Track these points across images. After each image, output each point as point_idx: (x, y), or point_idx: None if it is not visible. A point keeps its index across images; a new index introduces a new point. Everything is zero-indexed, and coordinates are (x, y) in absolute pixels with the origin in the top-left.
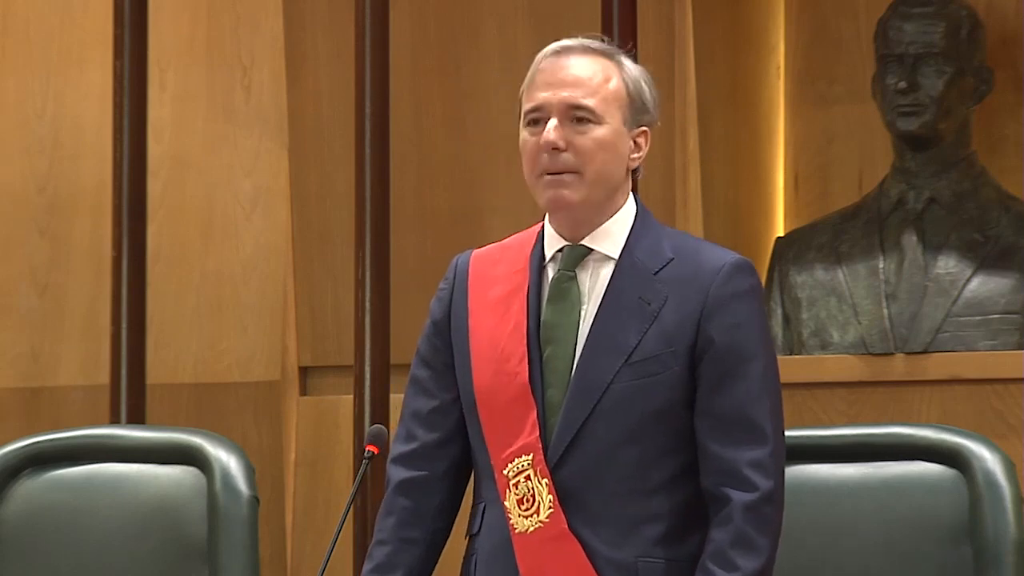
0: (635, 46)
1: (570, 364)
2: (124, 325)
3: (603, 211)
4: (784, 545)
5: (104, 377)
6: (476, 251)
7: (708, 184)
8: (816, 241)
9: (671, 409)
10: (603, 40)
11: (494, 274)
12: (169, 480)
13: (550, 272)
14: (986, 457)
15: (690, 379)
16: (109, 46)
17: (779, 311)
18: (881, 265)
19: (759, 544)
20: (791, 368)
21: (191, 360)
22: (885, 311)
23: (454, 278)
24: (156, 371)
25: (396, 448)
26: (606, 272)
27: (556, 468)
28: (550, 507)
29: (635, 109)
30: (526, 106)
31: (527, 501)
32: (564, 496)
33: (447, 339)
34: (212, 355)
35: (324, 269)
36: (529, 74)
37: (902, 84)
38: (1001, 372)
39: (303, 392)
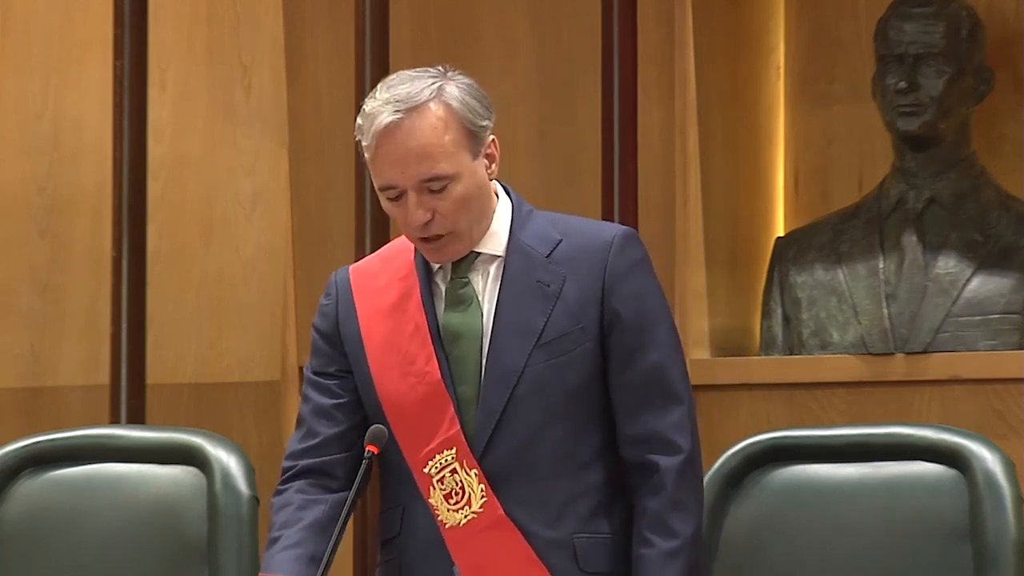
0: (635, 46)
1: (478, 360)
2: (124, 325)
3: (483, 225)
4: (784, 545)
5: (104, 377)
6: (352, 266)
7: (708, 184)
8: (816, 241)
9: (588, 385)
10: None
11: (377, 285)
12: (169, 480)
13: (439, 278)
14: (986, 457)
15: (601, 353)
16: (109, 46)
17: (779, 311)
18: (881, 265)
19: (691, 507)
20: (791, 368)
21: (191, 360)
22: (885, 311)
23: (336, 293)
24: (156, 371)
25: (292, 445)
26: (497, 268)
27: (483, 457)
28: (483, 496)
29: (475, 137)
30: (376, 180)
31: (456, 495)
32: (495, 483)
33: (340, 349)
34: (212, 355)
35: (324, 269)
36: (367, 137)
37: (902, 84)
38: (1001, 372)
39: None
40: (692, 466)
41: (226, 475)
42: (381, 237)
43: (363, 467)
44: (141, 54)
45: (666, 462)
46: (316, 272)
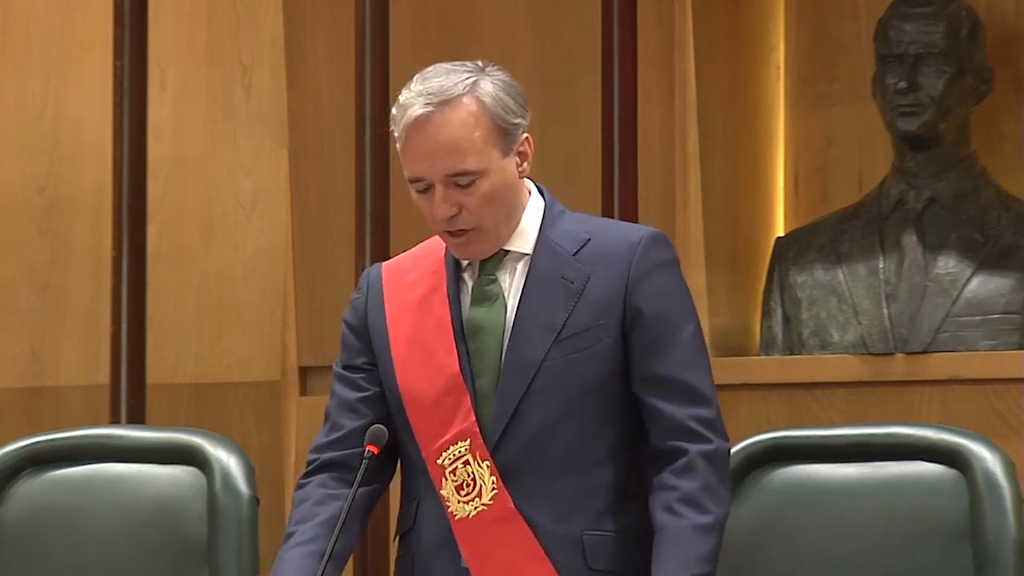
0: (635, 46)
1: (499, 354)
2: (124, 325)
3: (511, 223)
4: (784, 545)
5: (104, 377)
6: (385, 262)
7: (708, 184)
8: (816, 241)
9: (606, 382)
10: (451, 65)
11: (407, 280)
12: (169, 480)
13: (467, 275)
14: (986, 457)
15: (622, 351)
16: (109, 46)
17: (779, 311)
18: (881, 265)
19: (722, 494)
20: (791, 368)
21: (191, 360)
22: (885, 311)
23: (367, 288)
24: (156, 371)
25: (317, 439)
26: (524, 265)
27: (496, 449)
28: (494, 488)
29: (507, 134)
30: (405, 171)
31: (467, 486)
32: (507, 476)
33: (368, 344)
34: (212, 355)
35: (324, 269)
36: (398, 128)
37: (902, 84)
38: (1001, 372)
39: (303, 392)
40: (723, 459)
41: (226, 475)
42: (381, 237)
43: (362, 467)
44: (141, 54)
45: (696, 448)
46: (316, 272)
